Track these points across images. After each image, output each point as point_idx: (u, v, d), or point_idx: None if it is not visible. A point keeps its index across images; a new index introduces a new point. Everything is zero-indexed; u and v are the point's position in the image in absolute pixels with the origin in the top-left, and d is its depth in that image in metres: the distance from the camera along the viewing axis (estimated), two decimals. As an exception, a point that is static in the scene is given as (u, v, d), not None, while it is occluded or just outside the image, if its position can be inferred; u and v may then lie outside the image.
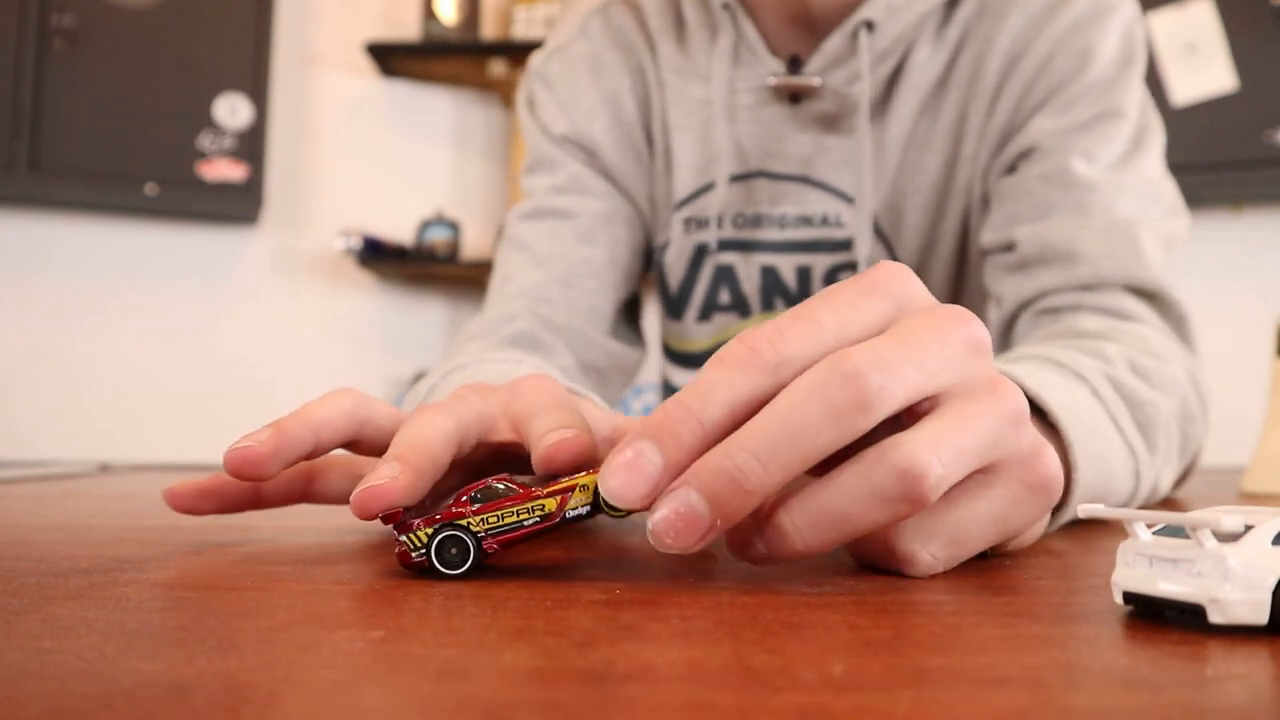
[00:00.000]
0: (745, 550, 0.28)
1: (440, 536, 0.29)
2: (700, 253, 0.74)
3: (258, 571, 0.29)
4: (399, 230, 2.57)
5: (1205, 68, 2.22)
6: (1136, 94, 0.66)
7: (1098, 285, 0.60)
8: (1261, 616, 0.21)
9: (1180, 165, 0.67)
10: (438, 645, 0.20)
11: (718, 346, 0.76)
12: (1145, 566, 0.23)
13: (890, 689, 0.17)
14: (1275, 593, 0.21)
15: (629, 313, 0.77)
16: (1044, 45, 0.65)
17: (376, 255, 2.48)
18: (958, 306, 0.29)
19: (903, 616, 0.23)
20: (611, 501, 0.27)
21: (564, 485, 0.29)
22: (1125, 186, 0.62)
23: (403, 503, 0.29)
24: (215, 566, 0.30)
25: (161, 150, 2.41)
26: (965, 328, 0.29)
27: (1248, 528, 0.22)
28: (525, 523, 0.29)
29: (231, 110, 2.45)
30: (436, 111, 2.69)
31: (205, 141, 2.43)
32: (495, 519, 0.29)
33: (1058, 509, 0.39)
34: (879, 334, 0.28)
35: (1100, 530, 0.41)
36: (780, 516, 0.27)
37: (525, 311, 0.69)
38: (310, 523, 0.43)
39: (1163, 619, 0.23)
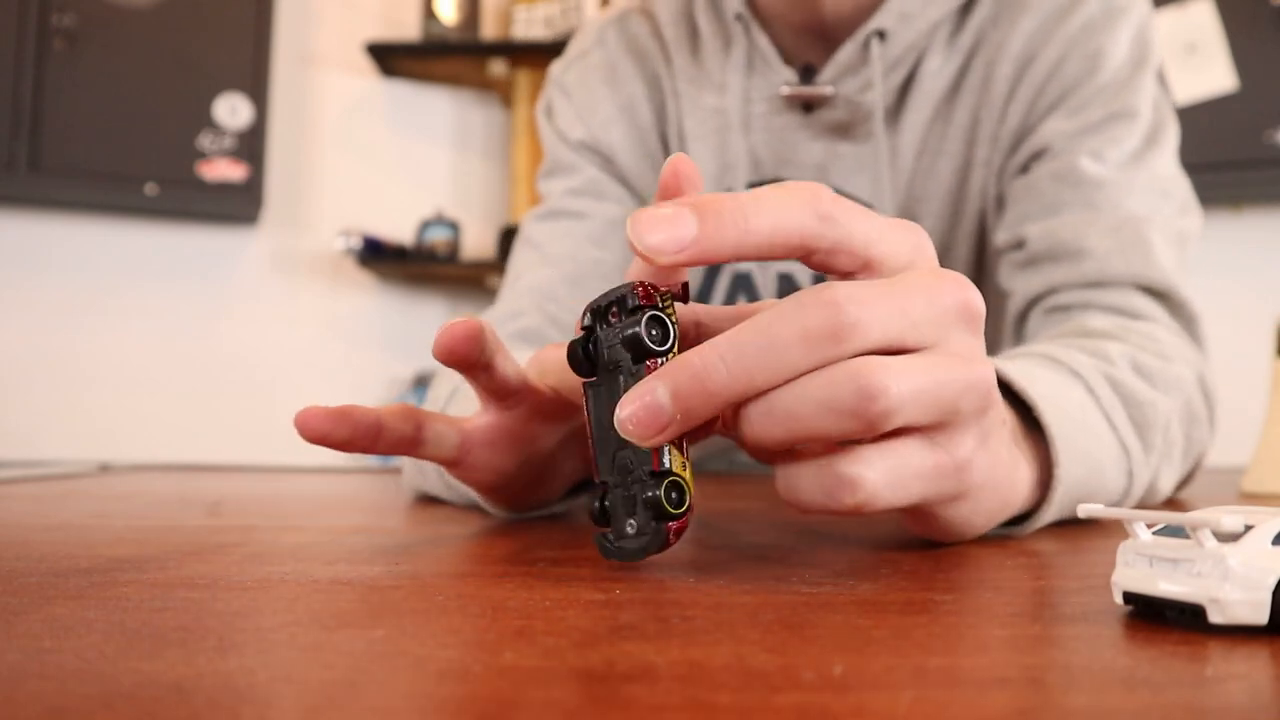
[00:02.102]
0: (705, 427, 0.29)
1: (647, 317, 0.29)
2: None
3: (258, 571, 0.29)
4: (399, 230, 2.58)
5: (1205, 68, 2.22)
6: (1149, 94, 0.66)
7: (1106, 282, 0.60)
8: (1261, 616, 0.21)
9: (1181, 165, 0.67)
10: (438, 645, 0.20)
11: None
12: (1145, 566, 0.23)
13: (890, 689, 0.17)
14: (1275, 593, 0.21)
15: None
16: (1055, 48, 0.66)
17: (376, 255, 2.48)
18: (959, 274, 0.30)
19: (903, 616, 0.23)
20: (636, 244, 0.26)
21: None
22: (1136, 184, 0.62)
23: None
24: (215, 566, 0.30)
25: (161, 150, 2.41)
26: (961, 293, 0.29)
27: (1248, 528, 0.22)
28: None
29: (231, 110, 2.45)
30: (436, 111, 2.69)
31: (205, 141, 2.43)
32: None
33: (1039, 504, 0.39)
34: (895, 267, 0.29)
35: (1099, 530, 0.41)
36: (745, 407, 0.27)
37: (533, 308, 0.70)
38: (310, 523, 0.43)
39: (1163, 619, 0.23)
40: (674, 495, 0.28)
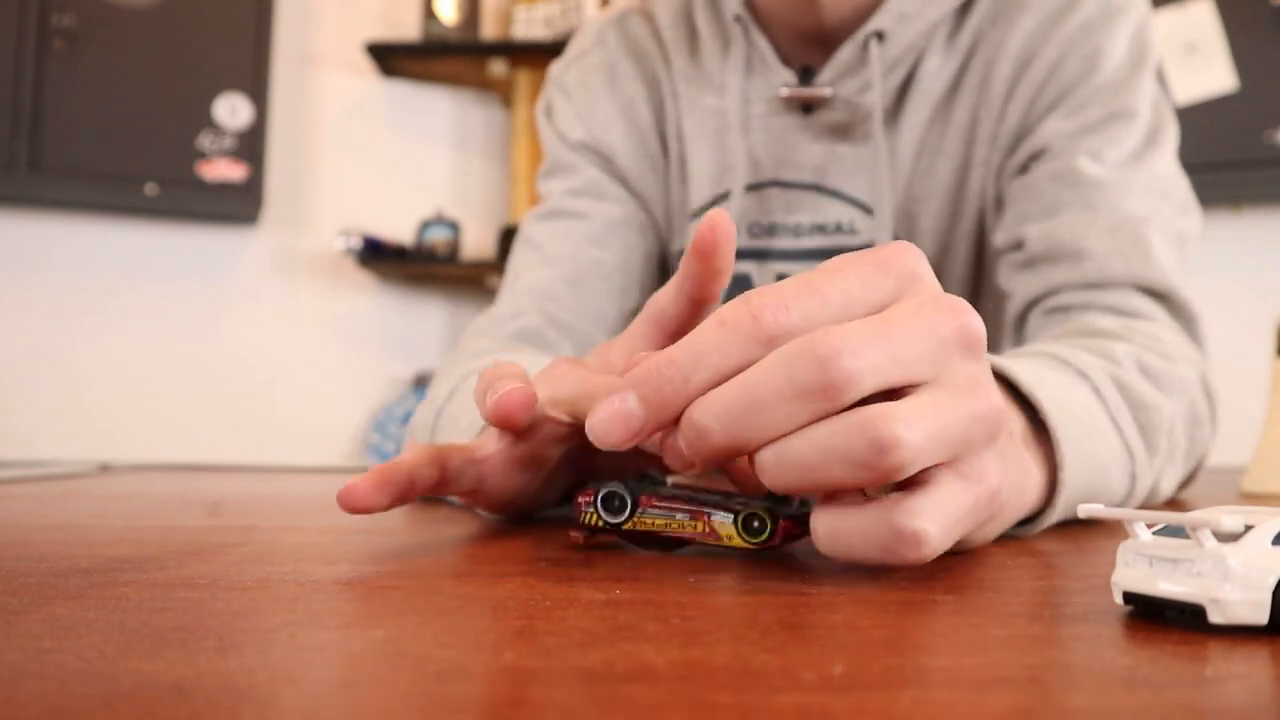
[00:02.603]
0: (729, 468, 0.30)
1: (603, 494, 0.34)
2: None
3: (258, 571, 0.29)
4: (399, 230, 2.58)
5: (1205, 68, 2.22)
6: (1149, 93, 0.66)
7: (1106, 283, 0.60)
8: (1261, 616, 0.21)
9: (1180, 165, 0.67)
10: (438, 645, 0.20)
11: None
12: (1145, 566, 0.23)
13: (890, 689, 0.17)
14: (1275, 593, 0.21)
15: None
16: (1054, 48, 0.65)
17: (376, 255, 2.48)
18: (957, 298, 0.29)
19: (903, 616, 0.23)
20: (593, 441, 0.29)
21: (717, 525, 0.32)
22: (1134, 185, 0.62)
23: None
24: (215, 566, 0.30)
25: (161, 150, 2.41)
26: (957, 320, 0.28)
27: (1248, 528, 0.22)
28: (672, 527, 0.33)
29: (231, 110, 2.45)
30: (436, 111, 2.69)
31: (205, 141, 2.43)
32: (661, 512, 0.33)
33: (1045, 508, 0.39)
34: (880, 310, 0.29)
35: (1100, 530, 0.41)
36: (760, 454, 0.28)
37: (532, 308, 0.70)
38: (310, 523, 0.43)
39: (1163, 619, 0.23)
40: (755, 524, 0.32)
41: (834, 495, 0.29)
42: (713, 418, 0.27)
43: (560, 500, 0.45)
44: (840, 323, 0.28)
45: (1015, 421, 0.36)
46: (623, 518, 0.33)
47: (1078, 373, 0.45)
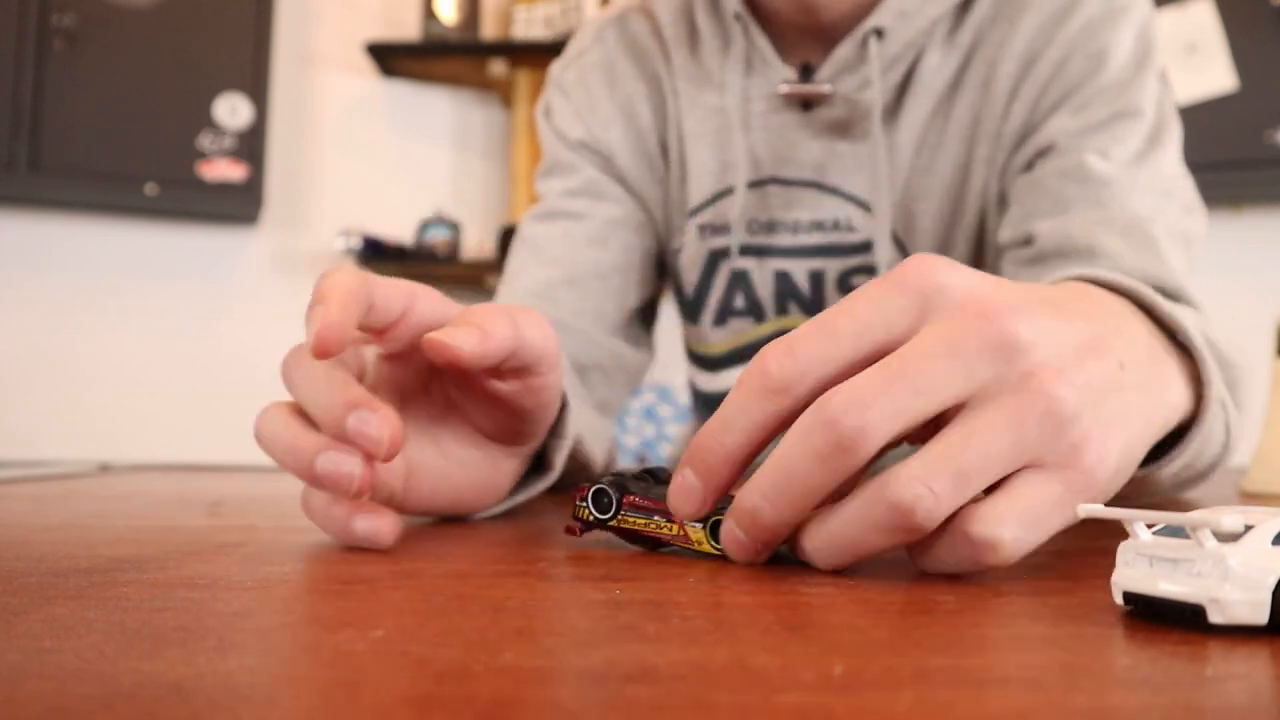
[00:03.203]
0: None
1: (594, 491, 0.35)
2: (715, 258, 0.75)
3: (258, 571, 0.29)
4: (399, 230, 2.57)
5: (1205, 68, 2.22)
6: (1153, 92, 0.65)
7: None
8: (1261, 616, 0.21)
9: (1184, 164, 0.67)
10: (438, 645, 0.20)
11: (735, 352, 0.77)
12: (1145, 566, 0.23)
13: (890, 689, 0.17)
14: (1275, 593, 0.21)
15: (643, 318, 0.77)
16: (1058, 48, 0.65)
17: (376, 255, 2.48)
18: (987, 299, 0.28)
19: (903, 616, 0.23)
20: (672, 514, 0.32)
21: (687, 531, 0.33)
22: (1140, 184, 0.62)
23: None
24: (215, 566, 0.30)
25: (161, 150, 2.41)
26: (990, 328, 0.28)
27: (1248, 528, 0.22)
28: (648, 529, 0.34)
29: (231, 110, 2.45)
30: (436, 111, 2.69)
31: (205, 141, 2.43)
32: (640, 512, 0.34)
33: (1196, 413, 0.37)
34: (903, 334, 0.28)
35: (1100, 530, 0.41)
36: (804, 542, 0.30)
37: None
38: (310, 523, 0.43)
39: (1163, 619, 0.23)
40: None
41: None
42: (760, 496, 0.29)
43: (512, 491, 0.45)
44: (857, 354, 0.28)
45: (1140, 341, 0.34)
46: (608, 515, 0.35)
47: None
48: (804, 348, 0.29)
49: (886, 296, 0.29)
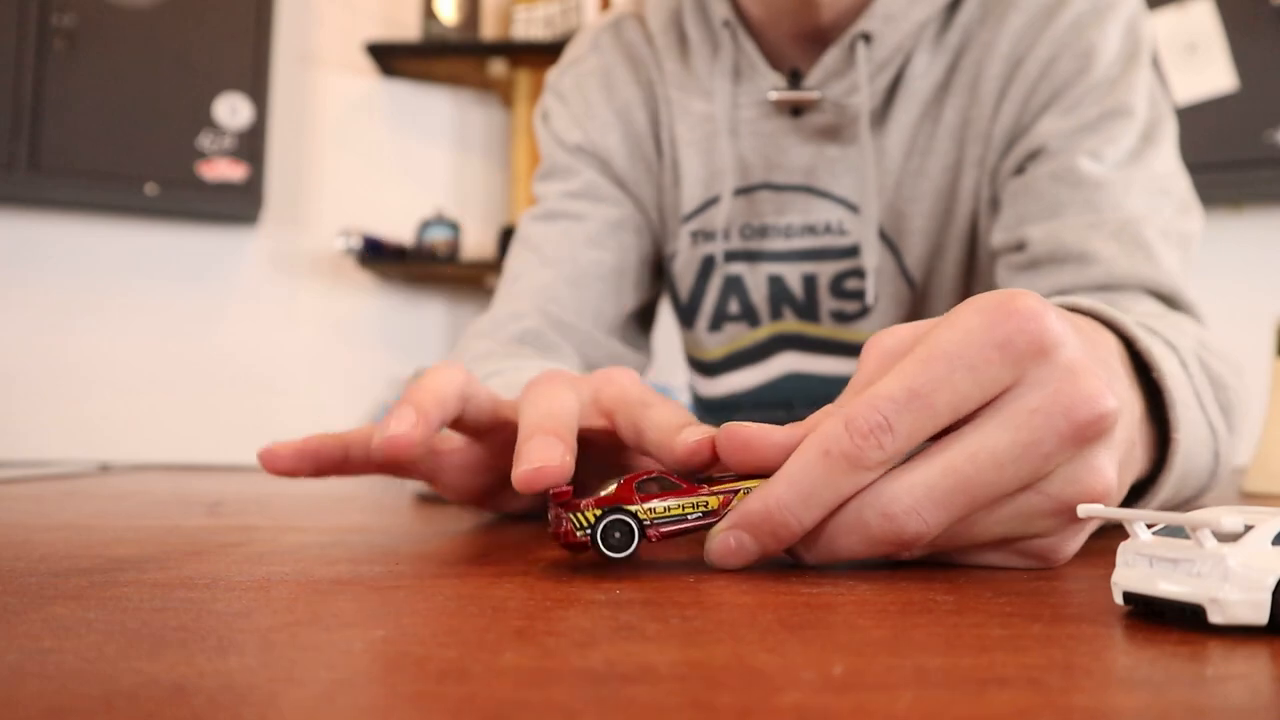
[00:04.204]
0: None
1: (607, 519, 0.30)
2: (708, 264, 0.75)
3: (258, 571, 0.29)
4: (399, 230, 2.57)
5: (1205, 68, 2.22)
6: (1144, 89, 0.65)
7: (1115, 286, 0.59)
8: (1261, 616, 0.21)
9: (1180, 159, 0.67)
10: (438, 645, 0.20)
11: (731, 356, 0.77)
12: (1145, 566, 0.23)
13: (890, 689, 0.17)
14: (1275, 593, 0.21)
15: (641, 321, 0.78)
16: (1045, 47, 0.65)
17: (376, 255, 2.48)
18: (1088, 381, 0.27)
19: (903, 616, 0.23)
20: (710, 563, 0.30)
21: (729, 486, 0.31)
22: (1134, 184, 0.62)
23: (563, 480, 0.30)
24: (215, 566, 0.30)
25: (161, 150, 2.41)
26: (1072, 419, 0.27)
27: (1248, 528, 0.22)
28: (689, 517, 0.31)
29: (231, 110, 2.45)
30: (436, 111, 2.69)
31: (205, 141, 2.43)
32: (661, 509, 0.31)
33: (1158, 473, 0.38)
34: (995, 395, 0.28)
35: (1100, 530, 0.41)
36: (800, 551, 0.30)
37: (533, 310, 0.70)
38: (310, 523, 0.43)
39: (1163, 619, 0.23)
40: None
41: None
42: (805, 552, 0.30)
43: (528, 505, 0.45)
44: (947, 424, 0.28)
45: (1137, 408, 0.34)
46: (625, 553, 0.30)
47: (1166, 343, 0.43)
48: (901, 425, 0.27)
49: (989, 364, 0.27)
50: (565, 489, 0.31)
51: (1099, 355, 0.31)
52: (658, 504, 0.31)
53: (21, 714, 0.15)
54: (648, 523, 0.30)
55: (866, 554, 0.29)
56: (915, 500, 0.28)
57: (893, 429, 0.27)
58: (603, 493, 0.31)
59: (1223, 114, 2.19)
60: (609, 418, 0.38)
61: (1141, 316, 0.48)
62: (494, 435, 0.38)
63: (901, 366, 0.28)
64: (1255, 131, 2.18)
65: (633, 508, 0.30)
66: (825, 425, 0.28)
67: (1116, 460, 0.29)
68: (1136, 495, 0.38)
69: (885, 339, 0.31)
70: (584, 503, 0.30)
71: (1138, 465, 0.35)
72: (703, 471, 0.33)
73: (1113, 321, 0.38)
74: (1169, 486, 0.38)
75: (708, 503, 0.31)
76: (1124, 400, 0.31)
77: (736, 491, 0.31)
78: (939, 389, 0.27)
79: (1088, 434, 0.28)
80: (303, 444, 0.37)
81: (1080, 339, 0.29)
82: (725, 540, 0.30)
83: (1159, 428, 0.38)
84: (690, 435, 0.32)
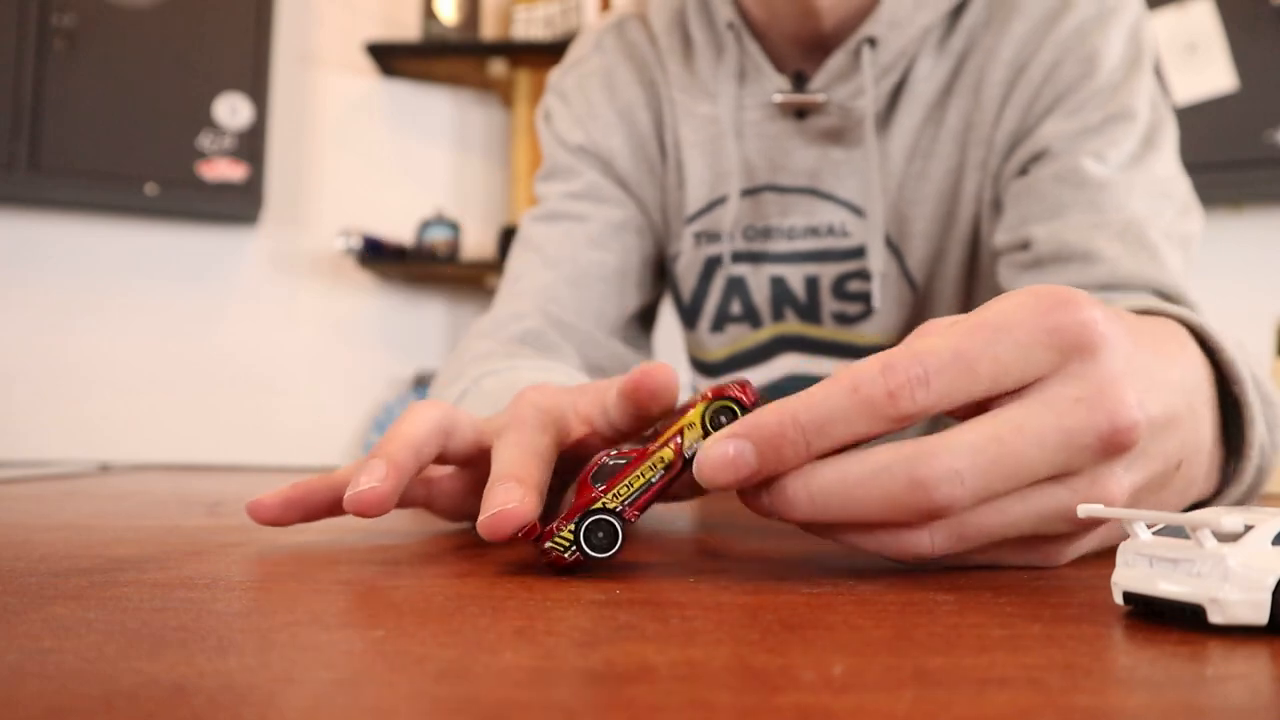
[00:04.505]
0: (751, 500, 0.29)
1: (584, 527, 0.30)
2: (711, 265, 0.75)
3: (258, 571, 0.29)
4: (399, 230, 2.57)
5: (1205, 68, 2.22)
6: (1146, 93, 0.65)
7: (1120, 285, 0.59)
8: (1261, 616, 0.21)
9: (1181, 163, 0.67)
10: (438, 645, 0.20)
11: (733, 357, 0.77)
12: (1145, 566, 0.23)
13: (890, 689, 0.17)
14: (1275, 593, 0.21)
15: (642, 321, 0.78)
16: (1049, 52, 0.65)
17: (376, 255, 2.48)
18: (1122, 395, 0.27)
19: (903, 616, 0.23)
20: (699, 479, 0.28)
21: (673, 431, 0.30)
22: (1137, 186, 0.62)
23: (526, 519, 0.30)
24: (215, 566, 0.30)
25: (161, 150, 2.41)
26: (1108, 424, 0.27)
27: (1248, 528, 0.22)
28: (653, 481, 0.30)
29: (231, 110, 2.44)
30: (436, 111, 2.69)
31: (205, 141, 2.43)
32: (625, 489, 0.30)
33: (1235, 475, 0.37)
34: (1035, 379, 0.27)
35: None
36: (796, 484, 0.28)
37: (534, 310, 0.70)
38: (310, 523, 0.43)
39: (1163, 619, 0.23)
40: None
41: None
42: (807, 497, 0.28)
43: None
44: (983, 396, 0.27)
45: (1207, 430, 0.34)
46: (610, 552, 0.30)
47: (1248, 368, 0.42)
48: (940, 381, 0.27)
49: (1035, 345, 0.27)
50: (532, 528, 0.30)
51: (1148, 365, 0.30)
52: (620, 486, 0.30)
53: (21, 714, 0.15)
54: (620, 508, 0.30)
55: (879, 515, 0.27)
56: (956, 460, 0.26)
57: (929, 383, 0.27)
58: (565, 508, 0.31)
59: (1223, 114, 2.18)
60: (588, 424, 0.38)
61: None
62: (481, 461, 0.38)
63: (948, 330, 0.28)
64: (1255, 131, 2.18)
65: (600, 502, 0.30)
66: (862, 364, 0.27)
67: (1136, 480, 0.29)
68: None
69: (932, 326, 0.30)
70: (555, 526, 0.30)
71: (1196, 486, 0.35)
72: (645, 428, 0.33)
73: (1202, 333, 0.37)
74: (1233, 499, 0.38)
75: (662, 457, 0.30)
76: (1186, 423, 0.31)
77: (681, 431, 0.30)
78: (983, 355, 0.27)
79: (1121, 439, 0.27)
80: (289, 492, 0.36)
81: (1132, 346, 0.29)
82: (723, 449, 0.27)
83: (1226, 443, 0.37)
84: (615, 382, 0.33)
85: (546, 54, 2.42)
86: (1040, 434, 0.27)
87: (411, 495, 0.40)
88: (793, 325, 0.74)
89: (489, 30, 2.59)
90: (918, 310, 0.72)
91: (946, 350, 0.27)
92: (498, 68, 2.49)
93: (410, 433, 0.35)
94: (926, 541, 0.28)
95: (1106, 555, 0.34)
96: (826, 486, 0.27)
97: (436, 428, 0.36)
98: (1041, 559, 0.31)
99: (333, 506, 0.37)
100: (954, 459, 0.26)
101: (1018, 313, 0.27)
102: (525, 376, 0.56)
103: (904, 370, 0.27)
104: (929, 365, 0.27)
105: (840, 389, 0.27)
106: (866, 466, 0.27)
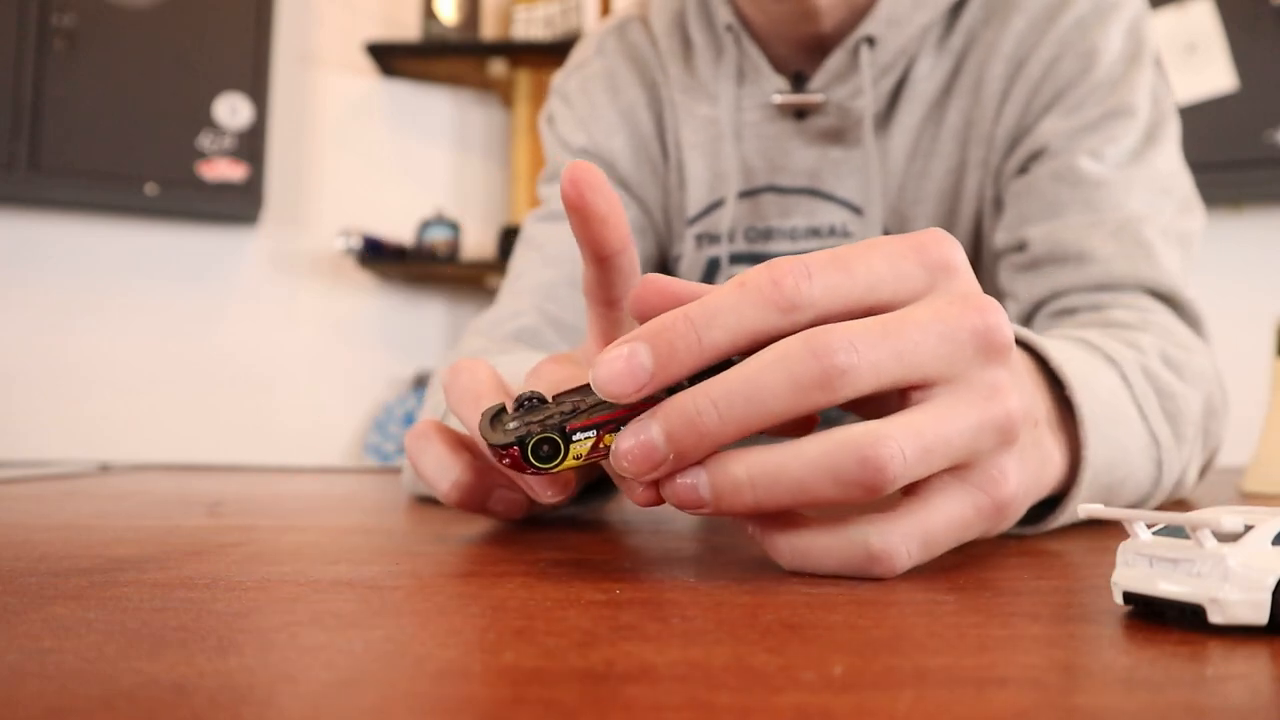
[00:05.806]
0: (685, 497, 0.28)
1: (525, 422, 0.29)
2: (713, 267, 0.75)
3: (258, 571, 0.29)
4: (399, 230, 2.58)
5: (1205, 68, 2.22)
6: (1146, 89, 0.65)
7: (1113, 286, 0.60)
8: (1261, 616, 0.21)
9: (1183, 159, 0.67)
10: (438, 645, 0.20)
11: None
12: (1145, 566, 0.23)
13: (890, 689, 0.17)
14: (1275, 593, 0.21)
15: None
16: (1048, 48, 0.65)
17: (376, 255, 2.48)
18: (988, 299, 0.29)
19: (903, 616, 0.23)
20: (598, 393, 0.27)
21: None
22: (1136, 183, 0.62)
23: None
24: (215, 566, 0.30)
25: (161, 150, 2.41)
26: (982, 321, 0.28)
27: (1248, 528, 0.22)
28: (610, 409, 0.28)
29: (231, 110, 2.45)
30: (436, 111, 2.69)
31: (205, 141, 2.43)
32: (584, 402, 0.29)
33: (1069, 489, 0.38)
34: (906, 299, 0.29)
35: (1100, 530, 0.41)
36: (735, 467, 0.27)
37: (532, 309, 0.70)
38: (310, 522, 0.43)
39: (1163, 619, 0.23)
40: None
41: (791, 516, 0.29)
42: (710, 404, 0.27)
43: (569, 502, 0.45)
44: (863, 301, 0.28)
45: (1042, 405, 0.35)
46: (553, 464, 0.29)
47: (1105, 358, 0.44)
48: (821, 275, 0.27)
49: (903, 259, 0.29)
50: (513, 452, 0.29)
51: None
52: (576, 398, 0.30)
53: (21, 714, 0.15)
54: (563, 423, 0.28)
55: (829, 497, 0.27)
56: (889, 431, 0.27)
57: (811, 276, 0.27)
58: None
59: (1223, 114, 2.19)
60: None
61: (1089, 333, 0.49)
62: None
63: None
64: (1255, 131, 2.18)
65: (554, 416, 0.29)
66: (748, 269, 0.28)
67: (1014, 384, 0.29)
68: (1051, 506, 0.38)
69: None
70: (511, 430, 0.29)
71: (1054, 469, 0.35)
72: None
73: (1036, 350, 0.38)
74: (1085, 494, 0.38)
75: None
76: (1029, 400, 0.32)
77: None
78: (857, 261, 0.28)
79: (993, 340, 0.28)
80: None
81: (972, 274, 0.30)
82: (618, 352, 0.26)
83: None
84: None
85: (546, 54, 2.42)
86: (920, 324, 0.28)
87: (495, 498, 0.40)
88: None
89: (489, 30, 2.59)
90: None
91: (825, 254, 0.28)
92: (498, 68, 2.49)
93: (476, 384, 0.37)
94: (904, 555, 0.28)
95: (1107, 555, 0.34)
96: (770, 474, 0.27)
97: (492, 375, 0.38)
98: (993, 494, 0.30)
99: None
100: (899, 439, 0.27)
101: (884, 239, 0.29)
102: (524, 368, 0.55)
103: (786, 264, 0.28)
104: (809, 262, 0.28)
105: (728, 286, 0.28)
106: (808, 450, 0.27)
